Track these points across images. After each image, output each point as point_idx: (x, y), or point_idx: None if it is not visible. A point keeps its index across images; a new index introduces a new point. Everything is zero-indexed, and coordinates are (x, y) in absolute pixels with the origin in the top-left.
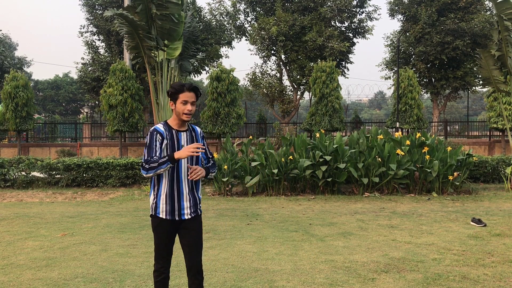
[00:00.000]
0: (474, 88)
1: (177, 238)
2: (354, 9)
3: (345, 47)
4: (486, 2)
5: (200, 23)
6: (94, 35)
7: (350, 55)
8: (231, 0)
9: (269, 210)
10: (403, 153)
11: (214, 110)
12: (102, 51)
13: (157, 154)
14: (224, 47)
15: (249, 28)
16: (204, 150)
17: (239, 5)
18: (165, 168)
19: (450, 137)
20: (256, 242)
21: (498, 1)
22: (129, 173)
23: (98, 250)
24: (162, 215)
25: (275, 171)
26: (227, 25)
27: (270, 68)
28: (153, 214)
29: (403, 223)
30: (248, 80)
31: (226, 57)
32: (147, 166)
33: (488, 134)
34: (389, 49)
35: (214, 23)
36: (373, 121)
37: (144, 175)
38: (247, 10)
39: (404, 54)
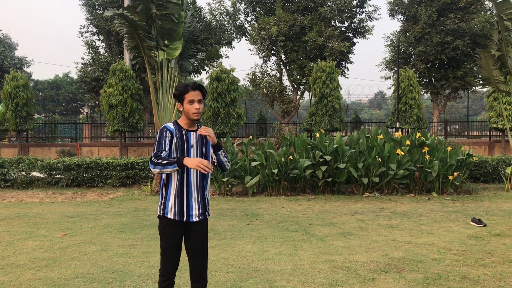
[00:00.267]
0: (474, 88)
1: None
2: (354, 9)
3: (345, 47)
4: (486, 2)
5: (200, 23)
6: (94, 35)
7: (350, 55)
8: (231, 0)
9: (269, 210)
10: (403, 153)
11: (214, 110)
12: (102, 51)
13: (166, 149)
14: (224, 47)
15: (249, 28)
16: (206, 172)
17: (239, 5)
18: (171, 170)
19: (450, 137)
20: (256, 242)
21: (498, 1)
22: (129, 173)
23: (98, 250)
24: (170, 215)
25: (275, 171)
26: (227, 25)
27: (270, 68)
28: (161, 214)
29: (403, 223)
30: (248, 80)
31: (226, 57)
32: (155, 160)
33: (488, 134)
34: (389, 49)
35: (214, 23)
36: (373, 121)
37: (151, 169)
38: (247, 10)
39: (404, 54)
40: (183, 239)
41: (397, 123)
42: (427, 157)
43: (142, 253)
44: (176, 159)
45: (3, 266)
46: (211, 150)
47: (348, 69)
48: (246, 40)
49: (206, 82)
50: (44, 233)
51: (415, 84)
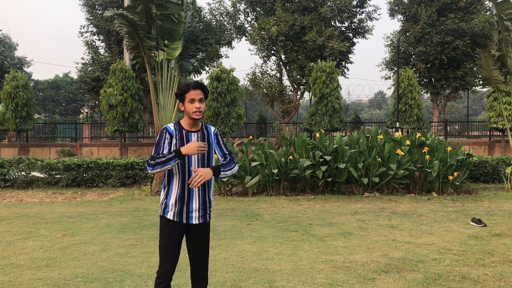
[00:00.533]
0: (474, 88)
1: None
2: (354, 9)
3: (345, 47)
4: (486, 2)
5: (200, 23)
6: (94, 35)
7: (350, 55)
8: (231, 0)
9: (269, 210)
10: (403, 153)
11: (214, 110)
12: (102, 51)
13: (164, 152)
14: (224, 47)
15: (249, 28)
16: (206, 150)
17: (239, 5)
18: (173, 164)
19: (450, 137)
20: (256, 242)
21: (498, 1)
22: (129, 173)
23: (98, 250)
24: (170, 215)
25: (275, 171)
26: (227, 25)
27: (270, 68)
28: (161, 214)
29: (403, 223)
30: (248, 80)
31: (226, 57)
32: (152, 162)
33: (488, 134)
34: (389, 49)
35: (214, 23)
36: (373, 121)
37: (150, 171)
38: (247, 10)
39: (404, 54)
40: (185, 237)
41: (397, 123)
42: (427, 157)
43: (142, 253)
44: (174, 153)
45: (3, 266)
46: (216, 151)
47: (348, 69)
48: (246, 40)
49: (206, 82)
50: (44, 233)
51: (415, 84)
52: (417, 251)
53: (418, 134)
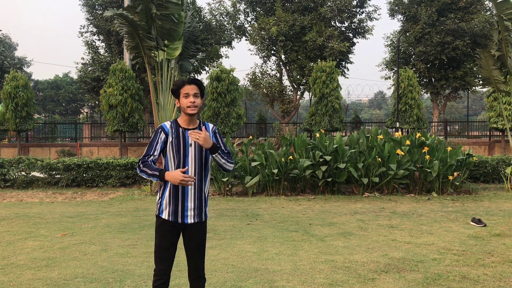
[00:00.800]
0: (474, 88)
1: (180, 239)
2: (354, 9)
3: (345, 47)
4: (486, 2)
5: (200, 23)
6: (94, 35)
7: (350, 55)
8: (231, 0)
9: (269, 210)
10: (403, 153)
11: (214, 110)
12: (102, 51)
13: (155, 154)
14: (224, 47)
15: (249, 28)
16: (191, 183)
17: (239, 5)
18: (155, 181)
19: (450, 137)
20: (256, 242)
21: (498, 1)
22: (129, 173)
23: (98, 250)
24: (165, 215)
25: (275, 171)
26: (227, 25)
27: (270, 68)
28: (157, 214)
29: (403, 223)
30: (248, 80)
31: (226, 57)
32: (141, 166)
33: (488, 134)
34: (389, 49)
35: (214, 23)
36: (373, 121)
37: (138, 172)
38: (247, 10)
39: (404, 54)
40: (182, 239)
41: (397, 123)
42: (427, 157)
43: (142, 253)
44: (158, 173)
45: (3, 266)
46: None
47: (348, 69)
48: (246, 40)
49: (206, 82)
50: (44, 233)
51: (415, 84)
52: (417, 251)
53: (418, 134)
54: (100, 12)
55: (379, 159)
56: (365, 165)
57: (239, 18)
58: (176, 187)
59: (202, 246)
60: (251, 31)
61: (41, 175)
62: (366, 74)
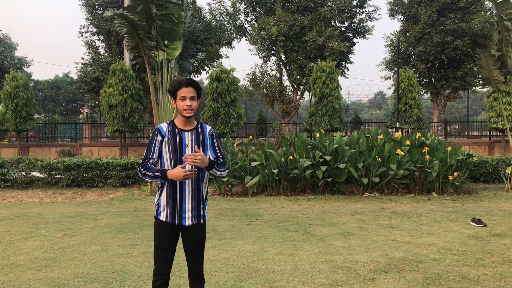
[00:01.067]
0: (474, 88)
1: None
2: (354, 9)
3: (345, 47)
4: (486, 2)
5: (200, 23)
6: (94, 35)
7: (350, 55)
8: (231, 0)
9: (269, 210)
10: (403, 153)
11: (214, 110)
12: (102, 51)
13: (154, 157)
14: (224, 47)
15: (249, 28)
16: (194, 176)
17: (239, 5)
18: (159, 182)
19: (450, 137)
20: (256, 242)
21: (498, 1)
22: (129, 173)
23: (98, 250)
24: (162, 217)
25: (275, 171)
26: (227, 25)
27: (270, 68)
28: (155, 215)
29: (403, 223)
30: (248, 80)
31: (226, 57)
32: (143, 170)
33: (488, 134)
34: (389, 49)
35: (214, 23)
36: (373, 121)
37: (140, 176)
38: (247, 10)
39: (404, 54)
40: (182, 240)
41: (397, 123)
42: (427, 157)
43: (142, 253)
44: (160, 173)
45: (3, 266)
46: (209, 152)
47: (348, 69)
48: (246, 40)
49: (206, 82)
50: (44, 233)
51: (415, 84)
52: (417, 251)
53: (418, 134)
54: (100, 12)
55: (379, 159)
56: (365, 165)
57: (239, 18)
58: (174, 188)
59: (201, 247)
60: (251, 31)
61: (41, 175)
62: (366, 74)
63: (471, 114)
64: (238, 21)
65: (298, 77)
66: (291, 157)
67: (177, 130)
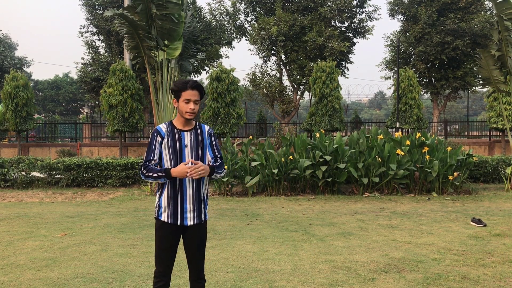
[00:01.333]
0: (474, 88)
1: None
2: (354, 9)
3: (345, 47)
4: (486, 2)
5: (200, 23)
6: (94, 35)
7: (350, 55)
8: (231, 0)
9: (269, 210)
10: (403, 153)
11: (214, 110)
12: (102, 51)
13: (155, 158)
14: (224, 47)
15: (249, 28)
16: (198, 174)
17: (239, 5)
18: (163, 182)
19: (450, 137)
20: (256, 242)
21: (498, 1)
22: (129, 173)
23: (98, 250)
24: (164, 217)
25: (275, 171)
26: (227, 25)
27: (270, 68)
28: (156, 216)
29: (403, 223)
30: (248, 80)
31: (226, 57)
32: (145, 172)
33: (488, 134)
34: (389, 49)
35: (214, 23)
36: (373, 121)
37: (143, 178)
38: (247, 10)
39: (404, 54)
40: (183, 240)
41: (397, 123)
42: (427, 157)
43: (142, 253)
44: (163, 172)
45: (3, 266)
46: (208, 151)
47: (348, 69)
48: (246, 40)
49: (206, 82)
50: (44, 233)
51: (415, 84)
52: (417, 251)
53: (418, 134)
54: (100, 12)
55: (379, 159)
56: (365, 165)
57: (239, 18)
58: (175, 188)
59: (202, 247)
60: (251, 31)
61: (41, 175)
62: (366, 74)
63: (471, 114)
64: (238, 21)
65: (298, 77)
66: (291, 157)
67: (176, 131)
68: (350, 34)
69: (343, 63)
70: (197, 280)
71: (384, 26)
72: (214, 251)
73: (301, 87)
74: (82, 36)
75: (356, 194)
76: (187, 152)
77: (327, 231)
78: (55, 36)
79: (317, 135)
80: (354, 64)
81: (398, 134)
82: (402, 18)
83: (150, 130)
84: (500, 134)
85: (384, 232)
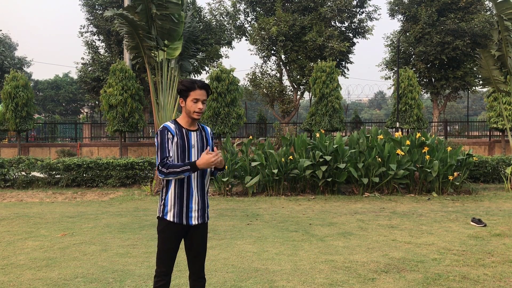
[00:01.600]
0: (474, 88)
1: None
2: (354, 9)
3: (345, 47)
4: (486, 2)
5: (200, 23)
6: (94, 35)
7: (350, 55)
8: (231, 0)
9: (269, 210)
10: (403, 153)
11: (214, 110)
12: (102, 51)
13: (170, 154)
14: (224, 47)
15: (249, 28)
16: (221, 159)
17: (239, 5)
18: (186, 176)
19: (450, 137)
20: (256, 242)
21: (498, 1)
22: (129, 173)
23: (98, 250)
24: (169, 217)
25: (275, 171)
26: (227, 25)
27: (270, 68)
28: (160, 216)
29: (403, 223)
30: (248, 80)
31: (226, 57)
32: (165, 170)
33: (488, 134)
34: (389, 49)
35: (214, 23)
36: (373, 121)
37: (162, 178)
38: (247, 10)
39: (404, 54)
40: (183, 239)
41: (397, 123)
42: (427, 157)
43: (142, 253)
44: (189, 166)
45: (3, 266)
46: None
47: (348, 69)
48: (246, 40)
49: (206, 82)
50: (44, 233)
51: (415, 84)
52: (417, 251)
53: (418, 134)
54: (100, 12)
55: (379, 159)
56: (365, 165)
57: (239, 18)
58: (182, 187)
59: (205, 247)
60: (251, 31)
61: (41, 175)
62: (366, 74)
63: (471, 114)
64: (238, 21)
65: (298, 77)
66: (291, 157)
67: (184, 130)
68: (350, 34)
69: (343, 63)
70: (197, 279)
71: (384, 26)
72: (214, 251)
73: (301, 87)
74: (82, 36)
75: (356, 194)
76: (194, 152)
77: (327, 231)
78: (55, 36)
79: (317, 135)
80: (354, 64)
81: (398, 134)
82: (402, 18)
83: (150, 130)
84: (500, 134)
85: (384, 232)
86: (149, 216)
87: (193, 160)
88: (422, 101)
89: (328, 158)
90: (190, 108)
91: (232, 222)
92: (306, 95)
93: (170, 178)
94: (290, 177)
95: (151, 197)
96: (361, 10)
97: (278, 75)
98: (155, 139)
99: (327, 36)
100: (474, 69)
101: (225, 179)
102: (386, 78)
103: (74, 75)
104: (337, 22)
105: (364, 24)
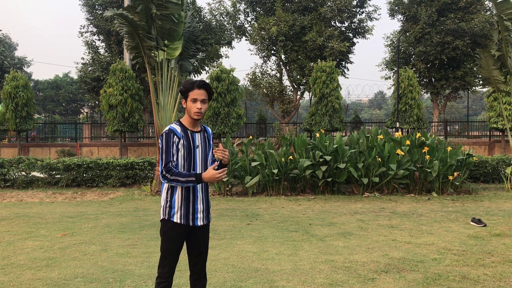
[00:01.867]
0: (474, 88)
1: None
2: (354, 9)
3: (345, 47)
4: (486, 2)
5: (200, 23)
6: (94, 35)
7: (350, 55)
8: (231, 0)
9: (269, 210)
10: (403, 153)
11: (214, 110)
12: (102, 51)
13: (174, 159)
14: (224, 47)
15: (249, 28)
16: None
17: (239, 5)
18: (190, 185)
19: (450, 137)
20: (256, 242)
21: (498, 1)
22: (129, 173)
23: (98, 250)
24: (177, 218)
25: (275, 171)
26: (227, 25)
27: (270, 68)
28: (166, 218)
29: (403, 223)
30: (248, 80)
31: (226, 57)
32: (169, 176)
33: (488, 134)
34: (389, 49)
35: (214, 23)
36: (373, 121)
37: (164, 182)
38: (247, 10)
39: (404, 54)
40: (186, 241)
41: (397, 123)
42: (427, 157)
43: (142, 253)
44: (194, 178)
45: (3, 266)
46: (210, 153)
47: (348, 69)
48: (246, 40)
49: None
50: (44, 233)
51: (415, 84)
52: (417, 251)
53: (418, 134)
54: (100, 12)
55: (379, 159)
56: (365, 165)
57: (239, 18)
58: (188, 189)
59: (207, 247)
60: (251, 31)
61: (41, 175)
62: (366, 74)
63: (471, 114)
64: (238, 21)
65: (298, 77)
66: (291, 157)
67: (188, 131)
68: (350, 34)
69: (343, 63)
70: (199, 279)
71: (384, 26)
72: (214, 251)
73: (301, 87)
74: (82, 36)
75: (356, 194)
76: (198, 152)
77: (327, 231)
78: (55, 36)
79: (317, 135)
80: (354, 64)
81: (398, 134)
82: (402, 18)
83: (150, 130)
84: (500, 134)
85: (384, 232)
86: (149, 216)
87: (198, 162)
88: (422, 101)
89: (328, 158)
90: (190, 108)
91: (232, 222)
92: (306, 95)
93: (172, 183)
94: (290, 177)
95: (151, 197)
96: (361, 10)
97: (278, 75)
98: (160, 141)
99: (327, 36)
100: (474, 69)
101: (225, 179)
102: (386, 78)
103: (74, 75)
104: (337, 22)
105: (364, 24)
